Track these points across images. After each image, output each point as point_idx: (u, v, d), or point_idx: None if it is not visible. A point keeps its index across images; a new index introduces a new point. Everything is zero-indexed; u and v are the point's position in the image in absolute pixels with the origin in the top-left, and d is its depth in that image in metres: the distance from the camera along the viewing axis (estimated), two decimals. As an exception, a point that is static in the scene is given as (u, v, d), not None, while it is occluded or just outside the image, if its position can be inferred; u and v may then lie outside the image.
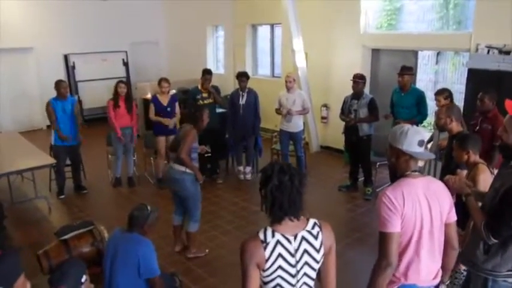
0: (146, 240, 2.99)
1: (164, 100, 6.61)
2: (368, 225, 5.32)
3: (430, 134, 5.51)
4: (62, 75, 10.30)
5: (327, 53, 8.11)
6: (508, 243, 2.43)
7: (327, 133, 8.45)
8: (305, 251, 1.94)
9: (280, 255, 1.91)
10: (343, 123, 6.31)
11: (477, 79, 5.80)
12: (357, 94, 6.04)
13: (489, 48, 5.78)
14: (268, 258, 1.89)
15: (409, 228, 2.18)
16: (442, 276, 2.35)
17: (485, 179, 2.95)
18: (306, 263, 1.95)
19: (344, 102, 6.24)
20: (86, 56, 10.70)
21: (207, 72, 6.75)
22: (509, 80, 5.40)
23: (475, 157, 3.12)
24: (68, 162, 6.42)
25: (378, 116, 6.03)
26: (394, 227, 2.14)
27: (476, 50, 5.94)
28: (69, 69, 10.72)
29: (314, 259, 1.96)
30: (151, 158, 7.08)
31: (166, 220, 5.10)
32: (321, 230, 1.99)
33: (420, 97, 5.74)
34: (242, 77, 6.69)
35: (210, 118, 6.16)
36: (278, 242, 1.91)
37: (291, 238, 1.93)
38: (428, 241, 2.21)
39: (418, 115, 5.73)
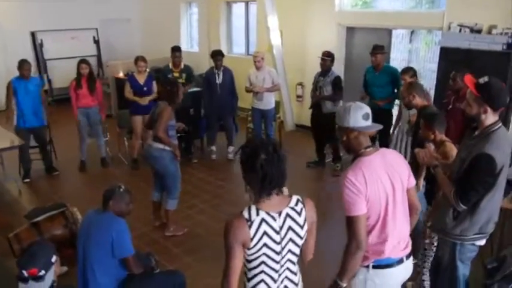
0: (119, 219, 2.94)
1: (141, 79, 6.46)
2: (333, 200, 5.37)
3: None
4: (29, 53, 9.92)
5: (302, 31, 8.07)
6: (475, 208, 2.58)
7: (302, 112, 8.46)
8: (289, 227, 1.95)
9: (265, 233, 1.90)
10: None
11: (449, 57, 5.88)
12: (324, 71, 6.10)
13: (461, 26, 5.85)
14: (254, 236, 1.89)
15: (375, 208, 2.20)
16: None
17: (454, 155, 3.05)
18: (291, 240, 1.97)
19: (314, 79, 6.30)
20: (54, 33, 10.30)
21: (176, 49, 6.63)
22: (480, 58, 5.49)
23: (440, 136, 3.23)
24: (35, 144, 6.25)
25: (341, 95, 6.11)
26: (360, 209, 2.15)
27: (449, 28, 6.01)
28: (37, 47, 10.34)
29: (298, 235, 1.98)
30: (125, 138, 6.96)
31: (141, 201, 5.06)
32: (304, 206, 2.00)
33: (395, 75, 5.78)
34: (217, 55, 6.58)
35: (182, 97, 6.06)
36: (263, 220, 1.91)
37: (276, 215, 1.93)
38: (394, 214, 2.25)
39: (393, 93, 5.78)
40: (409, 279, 2.60)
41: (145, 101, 6.37)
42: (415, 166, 3.54)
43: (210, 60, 6.75)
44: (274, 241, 1.93)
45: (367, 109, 2.25)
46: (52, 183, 6.21)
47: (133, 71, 6.68)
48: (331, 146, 6.40)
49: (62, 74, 10.20)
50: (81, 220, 3.52)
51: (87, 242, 2.89)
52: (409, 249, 2.37)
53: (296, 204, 1.99)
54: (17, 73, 6.04)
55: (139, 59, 6.45)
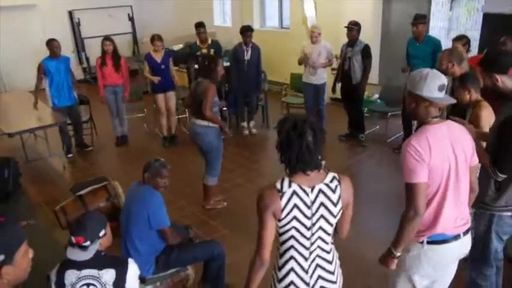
0: (154, 192, 3.01)
1: (158, 57, 6.43)
2: (364, 173, 5.45)
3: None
4: (67, 33, 10.19)
5: (336, 2, 7.84)
6: None
7: (337, 85, 8.29)
8: (322, 204, 1.92)
9: (296, 205, 1.90)
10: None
11: (492, 24, 5.60)
12: (352, 41, 5.97)
13: (506, -10, 5.54)
14: (284, 207, 1.89)
15: (437, 178, 2.11)
16: None
17: (488, 115, 2.97)
18: (322, 216, 1.94)
19: (341, 51, 6.19)
20: (90, 11, 10.49)
21: (199, 26, 6.64)
22: (526, 24, 5.20)
23: (476, 95, 3.12)
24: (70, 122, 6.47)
25: (370, 63, 6.04)
26: (421, 177, 2.07)
27: (493, -7, 5.70)
28: (75, 26, 10.56)
29: (331, 213, 1.95)
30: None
31: (177, 174, 5.17)
32: (339, 184, 1.96)
33: (437, 46, 5.55)
34: (247, 31, 6.46)
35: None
36: (294, 192, 1.90)
37: (308, 190, 1.91)
38: (454, 188, 2.15)
39: (434, 65, 5.57)
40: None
41: (156, 79, 6.36)
42: None
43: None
44: (304, 215, 1.92)
45: (444, 80, 2.12)
46: (93, 158, 6.45)
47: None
48: (357, 116, 6.37)
49: (99, 52, 10.37)
50: (126, 192, 3.64)
51: (128, 214, 3.00)
52: (468, 226, 2.26)
53: (331, 181, 1.94)
54: (59, 52, 6.20)
55: (155, 39, 6.39)
